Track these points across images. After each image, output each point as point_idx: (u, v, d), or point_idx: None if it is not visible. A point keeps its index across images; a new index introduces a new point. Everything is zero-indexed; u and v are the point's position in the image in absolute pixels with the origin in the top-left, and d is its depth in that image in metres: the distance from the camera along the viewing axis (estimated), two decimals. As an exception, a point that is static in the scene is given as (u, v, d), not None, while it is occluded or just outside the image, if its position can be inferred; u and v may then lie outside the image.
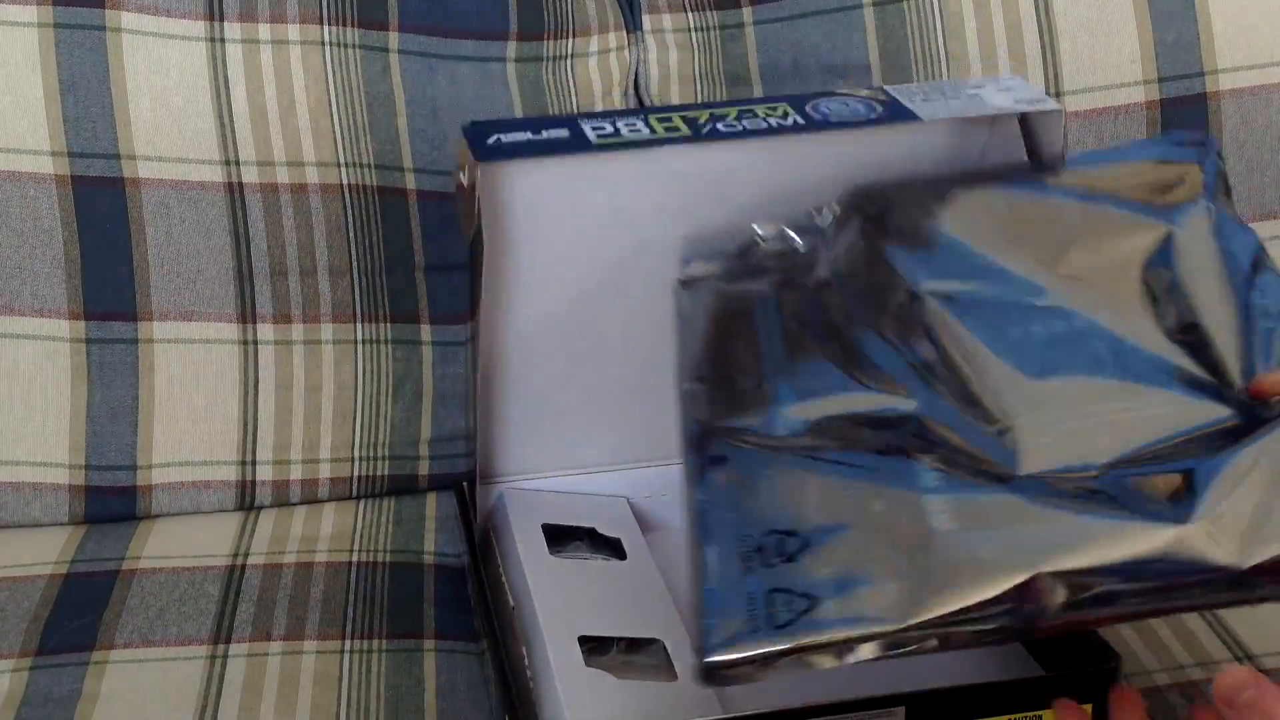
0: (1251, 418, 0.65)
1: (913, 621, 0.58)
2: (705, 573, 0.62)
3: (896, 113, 0.77)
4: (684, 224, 0.79)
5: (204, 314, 0.97)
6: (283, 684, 0.81)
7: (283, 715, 0.78)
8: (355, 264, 0.98)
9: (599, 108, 1.04)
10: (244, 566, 0.91)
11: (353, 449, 0.99)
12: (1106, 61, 0.99)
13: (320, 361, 0.98)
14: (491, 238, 0.76)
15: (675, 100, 1.05)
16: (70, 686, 0.81)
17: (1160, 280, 0.70)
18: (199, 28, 0.96)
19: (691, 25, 1.04)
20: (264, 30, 0.97)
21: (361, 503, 1.00)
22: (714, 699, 0.70)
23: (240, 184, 0.97)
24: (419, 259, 0.99)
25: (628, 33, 1.05)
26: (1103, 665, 0.69)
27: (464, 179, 0.74)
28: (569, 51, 1.03)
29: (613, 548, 0.85)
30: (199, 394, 0.97)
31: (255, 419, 0.98)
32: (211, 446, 0.98)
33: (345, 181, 0.98)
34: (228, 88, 0.96)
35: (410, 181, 0.99)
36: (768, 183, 0.79)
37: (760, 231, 0.77)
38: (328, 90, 0.98)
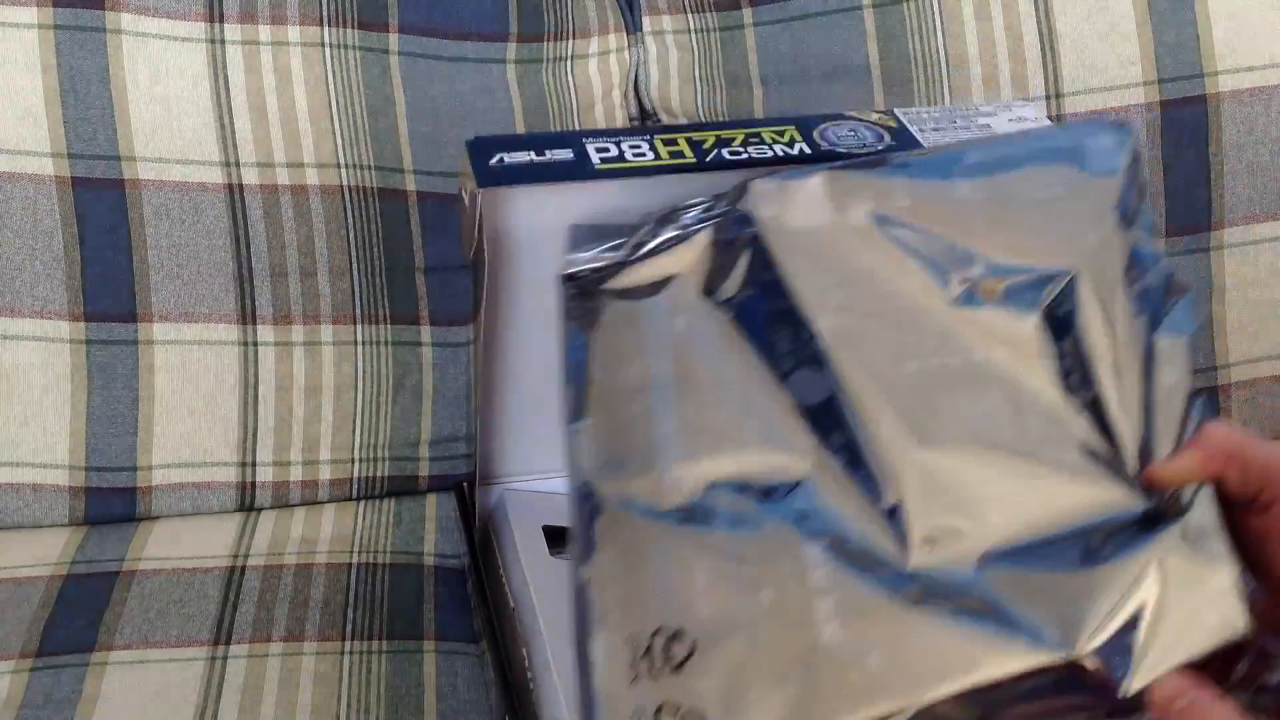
0: (1147, 508, 0.64)
1: None
2: (592, 671, 0.61)
3: (904, 143, 0.76)
4: None
5: (204, 315, 0.97)
6: (283, 685, 0.81)
7: (283, 716, 0.78)
8: (355, 265, 0.98)
9: (599, 109, 1.04)
10: (244, 568, 0.91)
11: (353, 450, 0.99)
12: (1106, 63, 0.99)
13: (320, 363, 0.98)
14: (493, 254, 0.76)
15: (675, 101, 1.05)
16: (70, 687, 0.81)
17: (1059, 328, 0.67)
18: (199, 29, 0.96)
19: (691, 26, 1.04)
20: (264, 32, 0.97)
21: (361, 504, 1.00)
22: None
23: (240, 185, 0.97)
24: (419, 260, 0.99)
25: (628, 34, 1.05)
26: None
27: (466, 196, 0.74)
28: (569, 53, 1.03)
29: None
30: (199, 395, 0.97)
31: (255, 420, 0.98)
32: (211, 448, 0.98)
33: (345, 183, 0.98)
34: (228, 89, 0.96)
35: (410, 183, 0.99)
36: None
37: (650, 220, 0.72)
38: (328, 92, 0.98)
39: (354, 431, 0.99)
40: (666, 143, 0.75)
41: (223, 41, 0.97)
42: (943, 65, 0.99)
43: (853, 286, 0.68)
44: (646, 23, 1.05)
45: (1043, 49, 0.99)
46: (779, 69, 1.02)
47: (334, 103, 0.98)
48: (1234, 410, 1.01)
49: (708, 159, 0.74)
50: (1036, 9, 0.99)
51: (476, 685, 0.81)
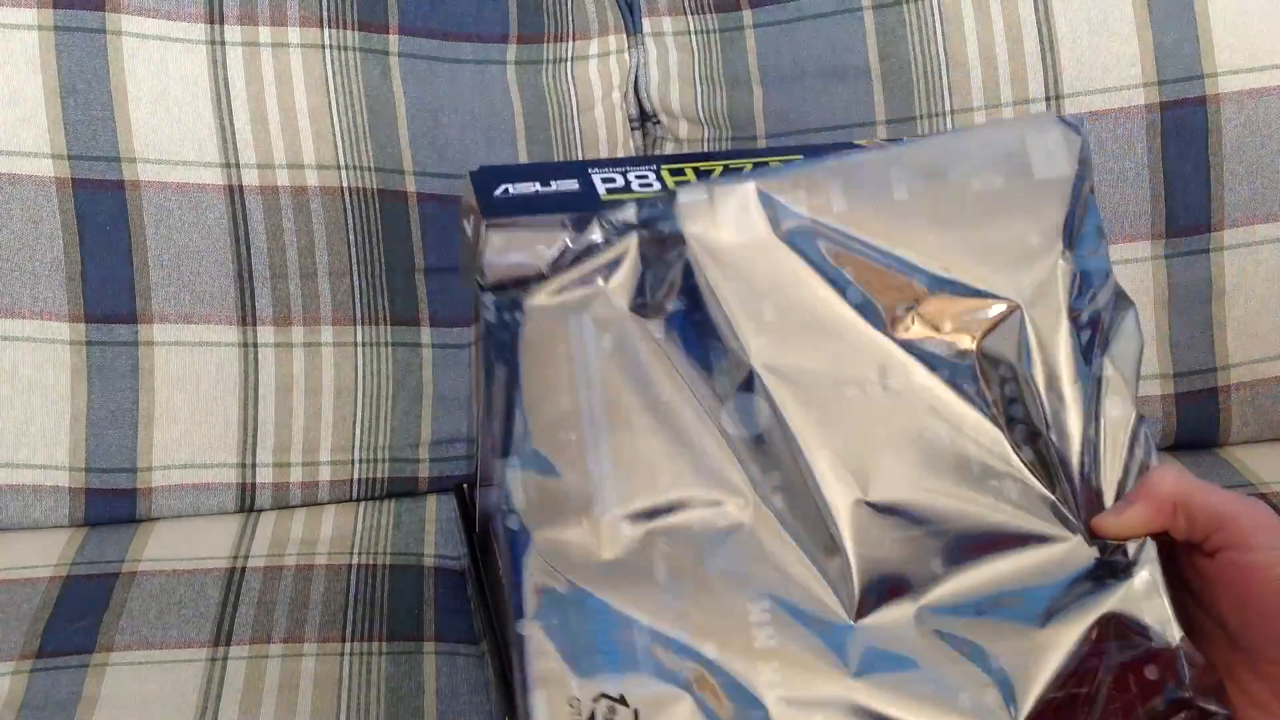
0: (1093, 561, 0.64)
1: None
2: None
3: None
4: None
5: (204, 316, 0.97)
6: (282, 687, 0.81)
7: (283, 717, 0.78)
8: (355, 266, 0.98)
9: (599, 110, 1.04)
10: (244, 569, 0.91)
11: (353, 451, 0.99)
12: (1106, 64, 0.99)
13: (320, 364, 0.98)
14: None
15: (675, 103, 1.05)
16: (70, 689, 0.81)
17: (1000, 357, 0.65)
18: (199, 30, 0.96)
19: (691, 28, 1.04)
20: (264, 33, 0.97)
21: (361, 505, 1.00)
22: None
23: (240, 186, 0.97)
24: (419, 261, 0.99)
25: (628, 35, 1.05)
26: None
27: (469, 226, 0.71)
28: (569, 54, 1.03)
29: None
30: (199, 396, 0.97)
31: (255, 421, 0.98)
32: (211, 449, 0.98)
33: (345, 184, 0.98)
34: (228, 90, 0.96)
35: (410, 184, 0.99)
36: None
37: (574, 222, 0.67)
38: (328, 93, 0.98)
39: (354, 433, 0.99)
40: (673, 173, 0.73)
41: (223, 43, 0.97)
42: (943, 66, 0.99)
43: (786, 305, 0.65)
44: (646, 24, 1.05)
45: (1043, 50, 0.99)
46: (779, 70, 1.02)
47: (334, 104, 0.98)
48: (1234, 411, 1.01)
49: None
50: (1036, 10, 0.99)
51: (476, 686, 0.81)
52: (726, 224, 0.66)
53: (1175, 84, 0.99)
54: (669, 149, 1.07)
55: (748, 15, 1.02)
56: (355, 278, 0.99)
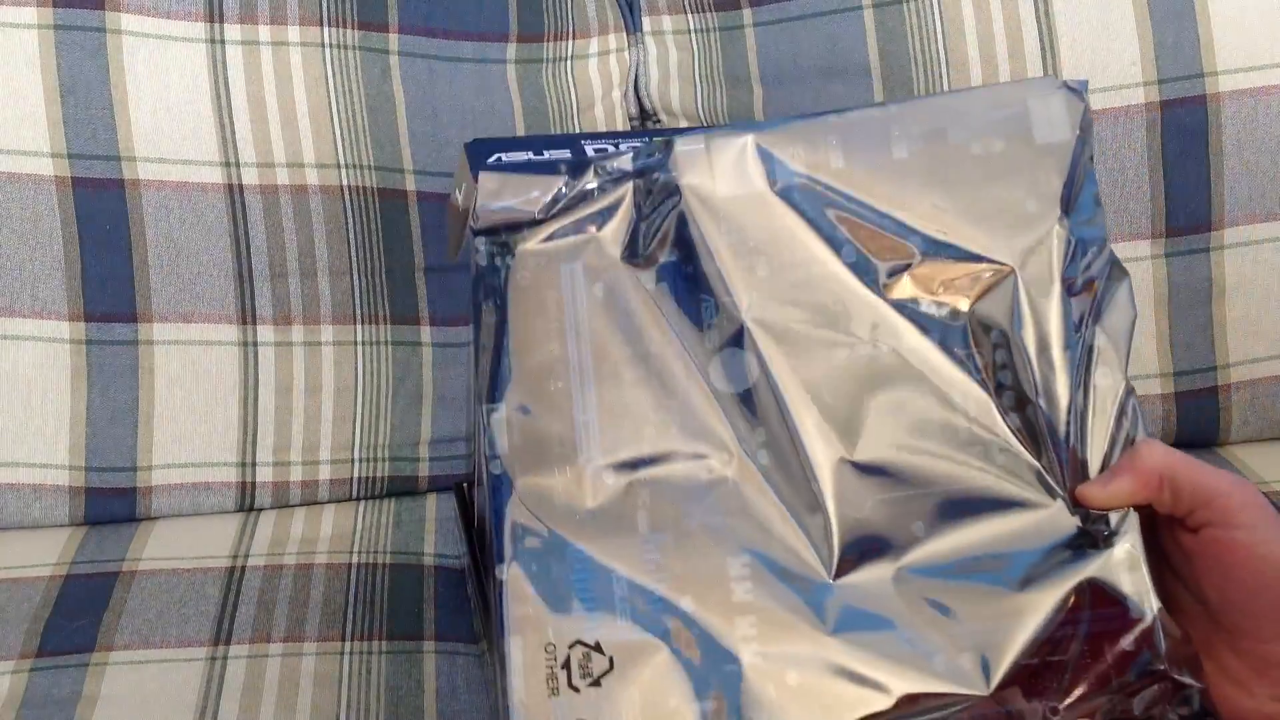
0: (1075, 530, 0.64)
1: None
2: (511, 677, 0.60)
3: None
4: None
5: (204, 315, 0.97)
6: (282, 686, 0.81)
7: (283, 717, 0.78)
8: (355, 265, 0.98)
9: (599, 109, 1.04)
10: (244, 568, 0.91)
11: (352, 450, 0.99)
12: (1106, 63, 0.99)
13: (320, 363, 0.98)
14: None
15: (675, 102, 1.05)
16: (70, 688, 0.81)
17: (992, 321, 0.65)
18: (199, 29, 0.96)
19: (691, 27, 1.04)
20: (264, 32, 0.97)
21: (361, 504, 1.00)
22: None
23: (240, 185, 0.97)
24: (418, 260, 0.99)
25: (628, 34, 1.05)
26: None
27: (460, 195, 0.71)
28: (569, 53, 1.03)
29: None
30: (199, 396, 0.97)
31: (255, 420, 0.98)
32: (211, 448, 0.98)
33: (345, 183, 0.98)
34: (228, 89, 0.96)
35: (410, 183, 0.99)
36: None
37: (569, 167, 0.67)
38: (328, 92, 0.98)
39: (354, 432, 0.99)
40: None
41: (222, 41, 0.97)
42: (943, 65, 0.99)
43: (780, 261, 0.65)
44: (646, 23, 1.05)
45: (1043, 49, 0.99)
46: (779, 69, 1.02)
47: (334, 103, 0.98)
48: (1234, 410, 1.01)
49: None
50: (1036, 9, 0.99)
51: (476, 685, 0.81)
52: (723, 175, 0.66)
53: (1175, 83, 0.99)
54: (669, 148, 1.07)
55: (748, 14, 1.02)
56: (355, 277, 0.98)
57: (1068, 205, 0.66)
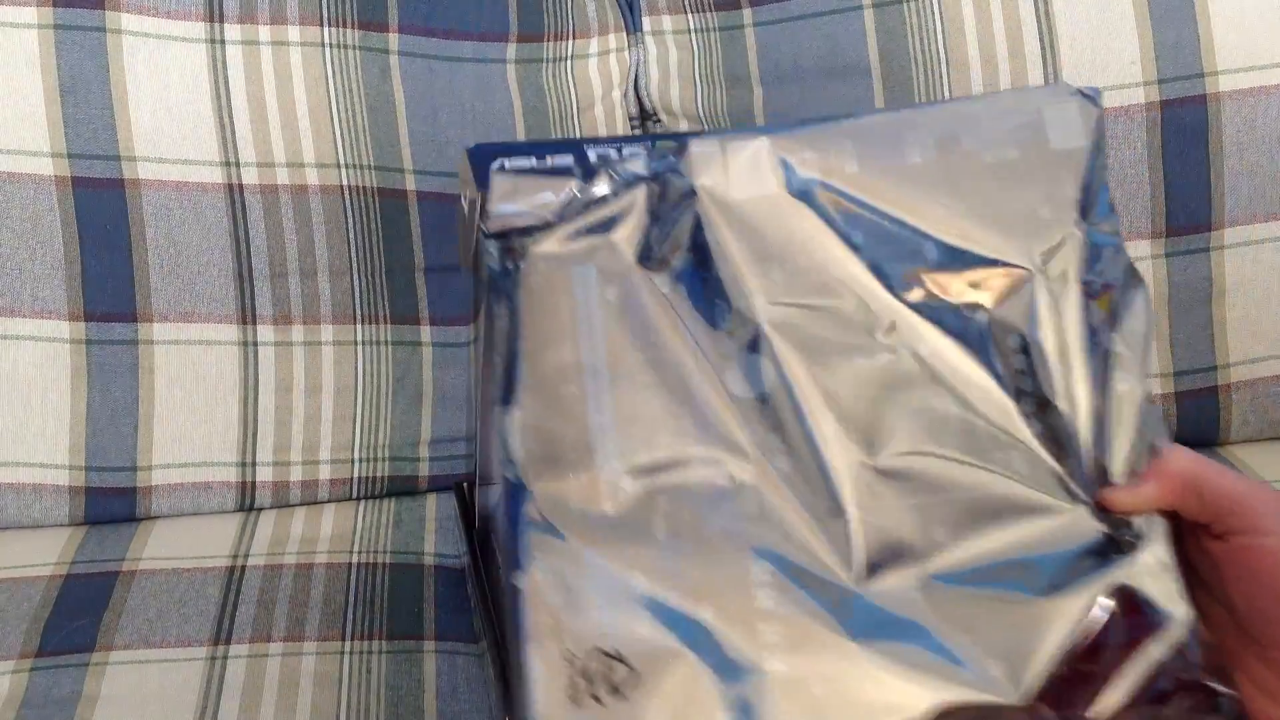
0: (1100, 535, 0.63)
1: None
2: (530, 688, 0.59)
3: None
4: None
5: (204, 315, 0.97)
6: (283, 685, 0.81)
7: (283, 717, 0.78)
8: (355, 265, 0.98)
9: (599, 109, 1.04)
10: (244, 568, 0.91)
11: (353, 450, 0.99)
12: (1106, 63, 0.99)
13: (320, 363, 0.98)
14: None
15: (675, 102, 1.05)
16: (70, 688, 0.81)
17: (1010, 326, 0.65)
18: (199, 29, 0.96)
19: (691, 26, 1.04)
20: (264, 32, 0.97)
21: (361, 504, 1.00)
22: None
23: (240, 185, 0.97)
24: (419, 260, 0.99)
25: (628, 34, 1.05)
26: None
27: (465, 202, 0.70)
28: (569, 53, 1.03)
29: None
30: (199, 395, 0.97)
31: (255, 420, 0.98)
32: (211, 448, 0.98)
33: (345, 183, 0.98)
34: (228, 89, 0.96)
35: (410, 183, 0.99)
36: None
37: (581, 168, 0.66)
38: (328, 92, 0.98)
39: (354, 431, 0.99)
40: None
41: (222, 41, 0.97)
42: (943, 65, 0.99)
43: (795, 268, 0.64)
44: (646, 23, 1.05)
45: (1043, 49, 0.99)
46: (779, 69, 1.02)
47: (334, 102, 0.98)
48: (1234, 410, 1.01)
49: None
50: (1036, 9, 0.99)
51: (476, 685, 0.81)
52: (738, 178, 0.65)
53: (1175, 82, 0.99)
54: (669, 148, 1.07)
55: (748, 14, 1.02)
56: (355, 276, 0.99)
57: (1084, 211, 0.66)
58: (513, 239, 0.65)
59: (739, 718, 0.59)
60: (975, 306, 0.65)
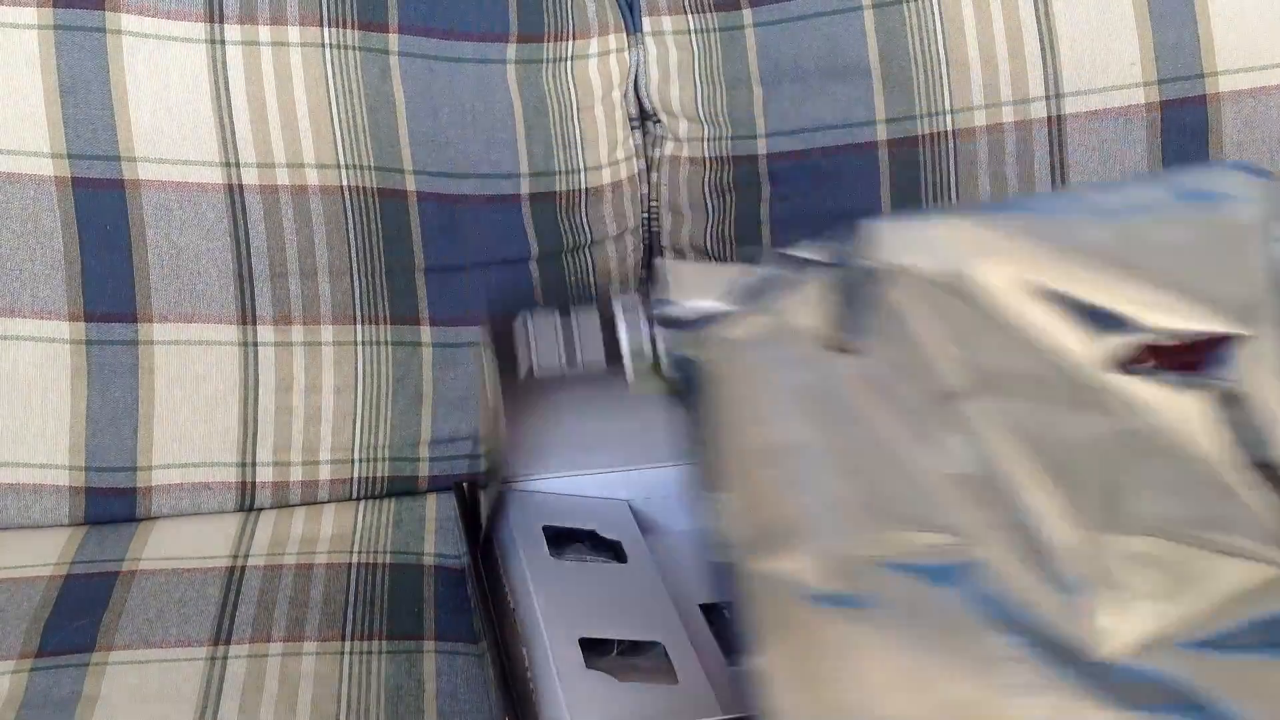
0: None
1: None
2: None
3: None
4: None
5: (204, 315, 0.97)
6: (283, 685, 0.81)
7: (283, 716, 0.78)
8: (355, 265, 0.98)
9: (599, 109, 1.04)
10: (244, 568, 0.91)
11: (353, 450, 0.99)
12: (1106, 63, 0.99)
13: (320, 363, 0.98)
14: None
15: (675, 102, 1.05)
16: (70, 688, 0.81)
17: (1226, 393, 0.62)
18: (199, 29, 0.96)
19: (692, 27, 1.04)
20: (264, 32, 0.97)
21: (361, 504, 1.00)
22: (714, 700, 0.70)
23: (240, 185, 0.97)
24: (419, 260, 0.99)
25: (628, 34, 1.05)
26: None
27: (490, 365, 0.69)
28: (569, 53, 1.03)
29: (613, 551, 0.85)
30: (199, 396, 0.97)
31: (255, 420, 0.98)
32: (211, 448, 0.98)
33: (345, 183, 0.98)
34: (228, 89, 0.96)
35: (410, 183, 0.99)
36: None
37: (754, 265, 0.66)
38: (328, 92, 0.98)
39: (354, 431, 0.99)
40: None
41: (222, 42, 0.97)
42: (943, 65, 0.99)
43: (990, 344, 0.62)
44: (646, 23, 1.05)
45: (1043, 49, 0.99)
46: (779, 69, 1.02)
47: (334, 103, 0.98)
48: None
49: None
50: (1036, 9, 0.99)
51: (476, 685, 0.81)
52: (921, 256, 0.64)
53: (1175, 83, 0.99)
54: (669, 148, 1.07)
55: (748, 14, 1.02)
56: (355, 277, 0.99)
57: (1269, 277, 0.65)
58: (688, 326, 0.64)
59: None
60: (1184, 373, 0.63)
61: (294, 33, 0.98)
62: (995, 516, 0.60)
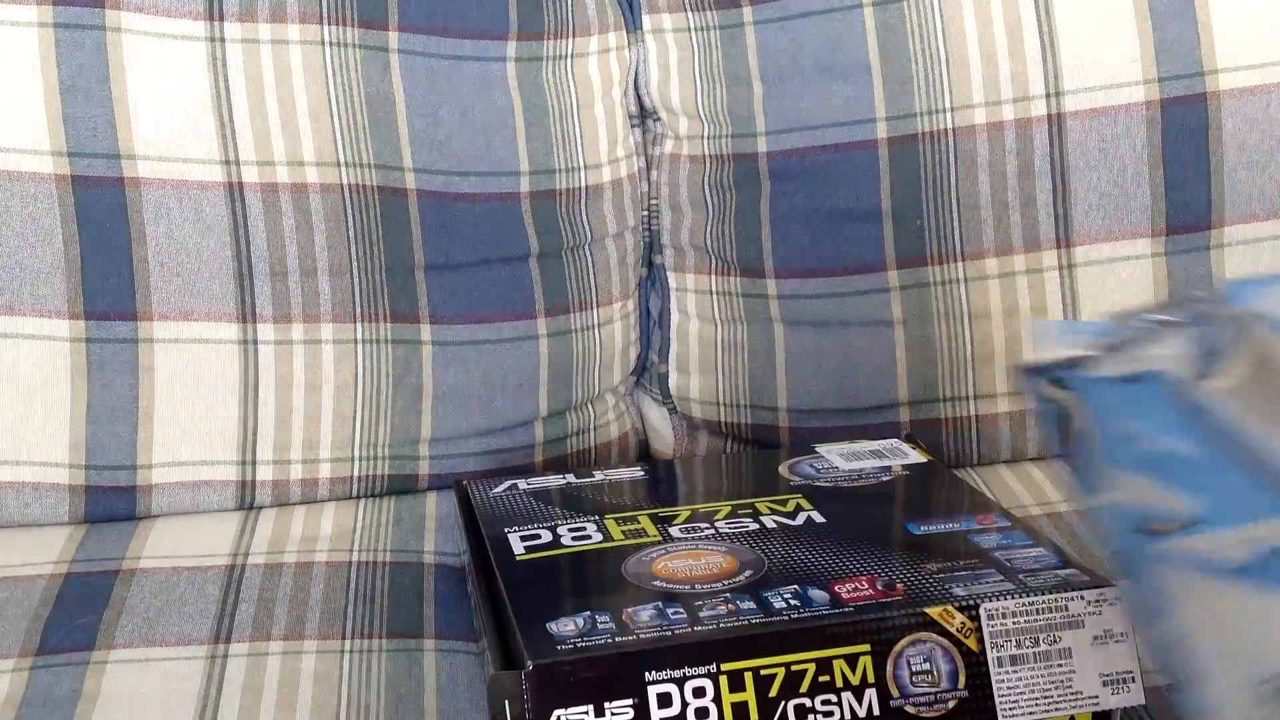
0: None
1: None
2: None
3: None
4: None
5: (204, 314, 0.97)
6: (283, 684, 0.81)
7: (283, 715, 0.78)
8: (355, 264, 0.98)
9: (599, 107, 1.04)
10: (244, 566, 0.91)
11: (352, 448, 0.99)
12: (1106, 62, 0.99)
13: (320, 361, 0.98)
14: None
15: (675, 100, 1.05)
16: (70, 686, 0.81)
17: None
18: (199, 27, 0.96)
19: (691, 25, 1.04)
20: (264, 30, 0.97)
21: (361, 502, 1.00)
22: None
23: (240, 184, 0.97)
24: (419, 259, 0.99)
25: (628, 32, 1.05)
26: None
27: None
28: (569, 51, 1.03)
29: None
30: (199, 394, 0.97)
31: (255, 419, 0.98)
32: (211, 446, 0.98)
33: (345, 181, 0.98)
34: (228, 87, 0.96)
35: (410, 181, 0.99)
36: None
37: (1115, 324, 0.68)
38: (328, 90, 0.98)
39: (354, 430, 0.99)
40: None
41: (222, 40, 0.97)
42: (943, 64, 0.99)
43: None
44: (646, 21, 1.05)
45: (1043, 48, 0.99)
46: (779, 67, 1.02)
47: (334, 101, 0.98)
48: (1234, 409, 1.01)
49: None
50: (1037, 6, 0.99)
51: (476, 684, 0.81)
52: None
53: (1175, 81, 0.99)
54: (669, 146, 1.07)
55: (748, 12, 1.02)
56: (355, 275, 0.99)
57: None
58: (1054, 370, 0.67)
59: None
60: None
61: (294, 30, 0.98)
62: None
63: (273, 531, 0.96)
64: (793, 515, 0.82)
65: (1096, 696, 0.71)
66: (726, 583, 0.74)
